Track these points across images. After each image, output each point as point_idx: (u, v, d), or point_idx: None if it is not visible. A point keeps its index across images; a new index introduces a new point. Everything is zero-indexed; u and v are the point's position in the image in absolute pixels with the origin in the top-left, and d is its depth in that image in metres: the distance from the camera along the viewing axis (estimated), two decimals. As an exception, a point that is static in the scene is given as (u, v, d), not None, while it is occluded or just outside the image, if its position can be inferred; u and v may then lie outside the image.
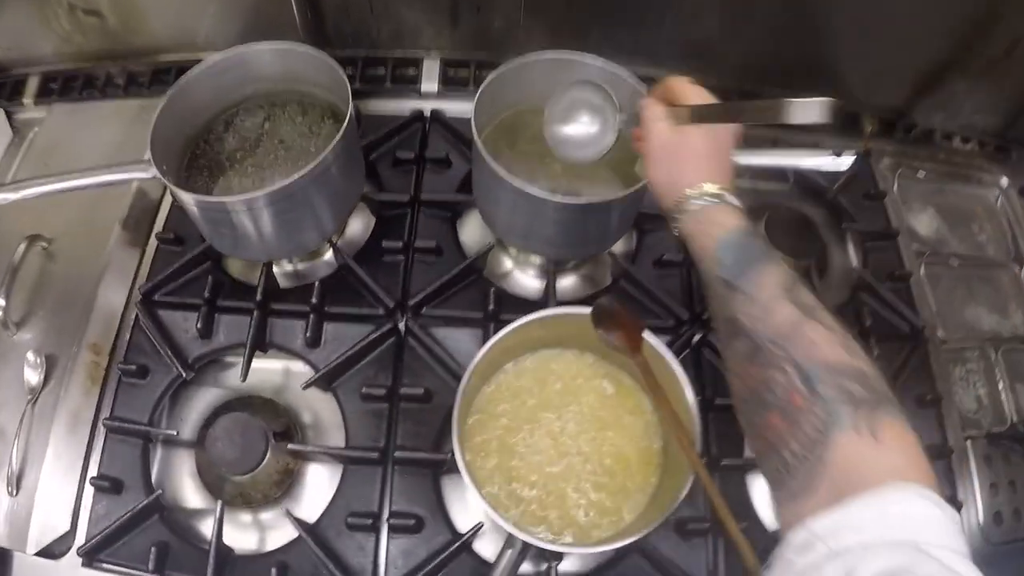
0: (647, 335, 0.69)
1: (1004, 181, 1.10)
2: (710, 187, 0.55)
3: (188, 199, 0.73)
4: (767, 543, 0.73)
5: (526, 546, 0.61)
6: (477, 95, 0.75)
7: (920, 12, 0.90)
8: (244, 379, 0.80)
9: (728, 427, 0.81)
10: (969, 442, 0.88)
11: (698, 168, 0.57)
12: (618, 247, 0.91)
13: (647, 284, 0.85)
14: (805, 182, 1.01)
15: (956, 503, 0.83)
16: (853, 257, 0.98)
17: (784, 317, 0.48)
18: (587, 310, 0.69)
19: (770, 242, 0.91)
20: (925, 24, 0.92)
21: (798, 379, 0.45)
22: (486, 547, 0.75)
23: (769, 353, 0.47)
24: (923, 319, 0.92)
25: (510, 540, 0.62)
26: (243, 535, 0.78)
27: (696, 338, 0.84)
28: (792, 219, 0.94)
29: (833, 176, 1.00)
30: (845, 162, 0.74)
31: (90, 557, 0.73)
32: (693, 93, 0.60)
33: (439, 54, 1.00)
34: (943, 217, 1.06)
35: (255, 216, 0.75)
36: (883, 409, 0.43)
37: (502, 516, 0.62)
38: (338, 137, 0.74)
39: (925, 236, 1.04)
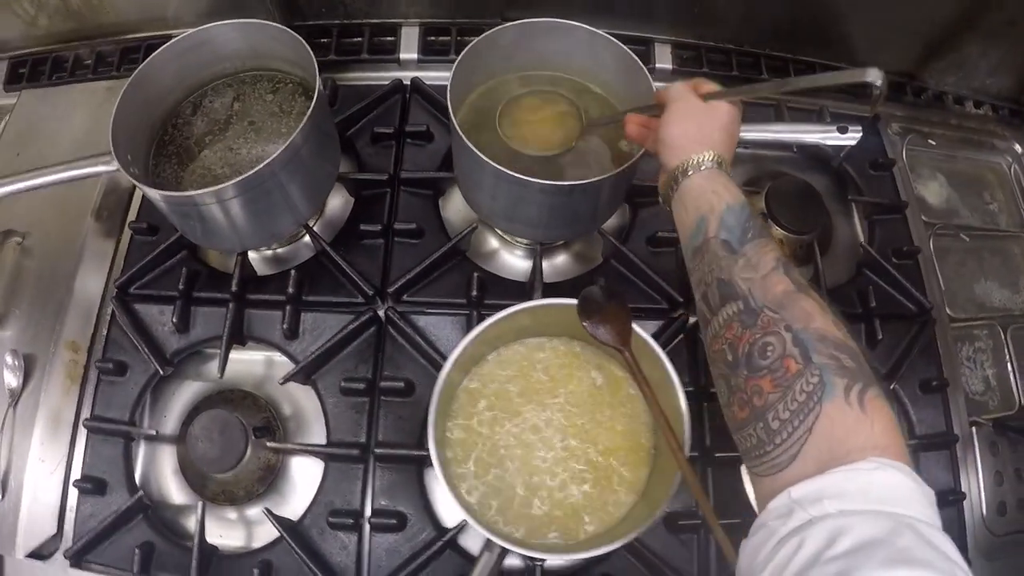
0: (636, 328, 0.65)
1: (1017, 147, 1.04)
2: (727, 157, 0.58)
3: (154, 194, 0.70)
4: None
5: (505, 551, 0.59)
6: (452, 70, 0.70)
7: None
8: (222, 375, 0.78)
9: (723, 417, 0.77)
10: (974, 428, 0.85)
11: (722, 137, 0.59)
12: (610, 222, 0.87)
13: (640, 263, 0.81)
14: (809, 149, 0.96)
15: (959, 493, 0.80)
16: (859, 230, 0.94)
17: (781, 287, 0.49)
18: (573, 302, 0.66)
19: (772, 215, 0.87)
20: None
21: (793, 344, 0.46)
22: (473, 542, 0.74)
23: (766, 318, 0.48)
24: (931, 298, 0.88)
25: (488, 544, 0.60)
26: (229, 532, 0.77)
27: (692, 321, 0.80)
28: (795, 190, 0.89)
29: (839, 143, 0.94)
30: (852, 137, 0.69)
31: (77, 559, 0.73)
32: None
33: (418, 20, 0.95)
34: (953, 185, 1.01)
35: (225, 207, 0.72)
36: (872, 385, 0.44)
37: (479, 520, 0.59)
38: (307, 117, 0.70)
39: (935, 206, 0.99)
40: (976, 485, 0.82)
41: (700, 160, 0.57)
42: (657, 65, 0.94)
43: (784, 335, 0.46)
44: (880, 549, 0.35)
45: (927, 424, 0.83)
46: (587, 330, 0.64)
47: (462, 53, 0.71)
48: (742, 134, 0.74)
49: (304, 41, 0.74)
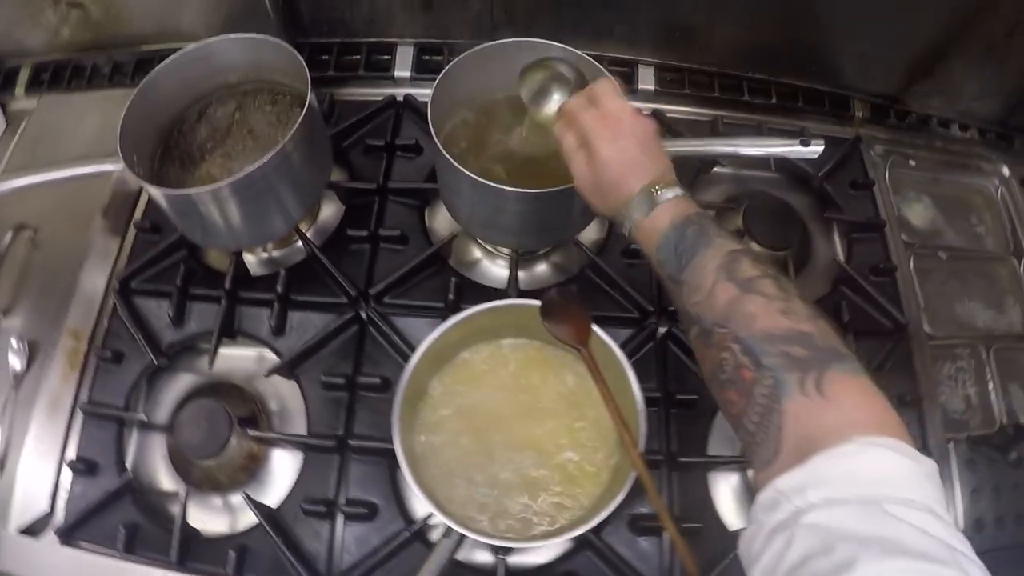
0: (596, 329, 0.68)
1: (1005, 171, 1.05)
2: (646, 188, 0.56)
3: (155, 192, 0.75)
4: (726, 543, 0.73)
5: (463, 538, 0.62)
6: (433, 87, 0.74)
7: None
8: (211, 366, 0.82)
9: (690, 424, 0.80)
10: (952, 445, 0.85)
11: (637, 169, 0.57)
12: (588, 235, 0.90)
13: (614, 275, 0.84)
14: (790, 169, 0.98)
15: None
16: (838, 248, 0.96)
17: (724, 298, 0.49)
18: (536, 303, 0.69)
19: (749, 231, 0.89)
20: (921, 3, 0.88)
21: (743, 354, 0.47)
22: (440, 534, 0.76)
23: (717, 335, 0.49)
24: (909, 314, 0.89)
25: (447, 531, 0.62)
26: (211, 517, 0.80)
27: (661, 332, 0.83)
28: (772, 208, 0.91)
29: (819, 163, 0.96)
30: (814, 151, 0.71)
31: (67, 536, 0.76)
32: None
33: (413, 39, 1.00)
34: (939, 208, 1.02)
35: (220, 206, 0.76)
36: (829, 366, 0.43)
37: (437, 506, 0.62)
38: (297, 124, 0.75)
39: (919, 227, 1.00)
40: (952, 502, 0.82)
41: (625, 210, 0.57)
42: (640, 87, 0.98)
43: (734, 347, 0.48)
44: (872, 546, 0.35)
45: (901, 441, 0.84)
46: (548, 329, 0.67)
47: (444, 70, 0.76)
48: (710, 148, 0.77)
49: (299, 55, 0.79)
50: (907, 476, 0.39)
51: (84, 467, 0.79)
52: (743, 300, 0.49)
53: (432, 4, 0.93)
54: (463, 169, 0.70)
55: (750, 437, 0.46)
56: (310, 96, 0.77)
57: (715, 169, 0.96)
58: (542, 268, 0.90)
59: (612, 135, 0.57)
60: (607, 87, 0.60)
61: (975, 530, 0.82)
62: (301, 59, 0.78)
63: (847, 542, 0.35)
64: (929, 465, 0.40)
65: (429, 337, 0.68)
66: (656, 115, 0.97)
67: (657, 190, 0.56)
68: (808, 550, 0.36)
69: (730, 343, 0.48)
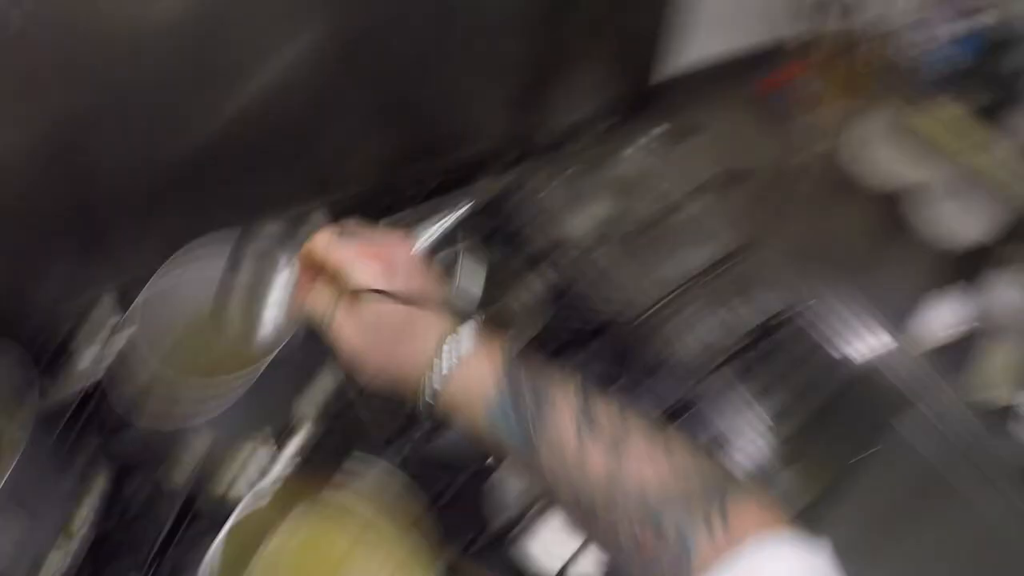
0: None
1: (645, 138, 1.17)
2: (442, 337, 0.45)
3: None
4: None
5: None
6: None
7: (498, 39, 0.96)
8: None
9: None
10: (720, 369, 0.93)
11: (416, 334, 0.45)
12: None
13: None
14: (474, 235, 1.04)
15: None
16: (539, 280, 1.00)
17: (598, 462, 0.42)
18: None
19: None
20: (501, 51, 0.99)
21: (639, 526, 0.41)
22: None
23: (601, 508, 0.42)
24: (612, 307, 0.97)
25: None
26: None
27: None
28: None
29: (487, 220, 1.03)
30: (466, 209, 0.75)
31: None
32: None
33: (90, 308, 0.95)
34: (614, 198, 1.11)
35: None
36: (726, 498, 0.40)
37: None
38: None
39: (593, 228, 1.07)
40: (755, 411, 0.92)
41: (425, 387, 0.46)
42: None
43: (624, 519, 0.41)
44: None
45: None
46: None
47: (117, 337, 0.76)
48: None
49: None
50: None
51: None
52: (621, 459, 0.42)
53: (88, 262, 0.88)
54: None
55: None
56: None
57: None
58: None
59: (383, 268, 0.45)
60: (348, 225, 0.49)
61: (781, 420, 0.91)
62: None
63: None
64: (821, 558, 0.38)
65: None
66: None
67: (455, 338, 0.45)
68: None
69: (619, 517, 0.42)
